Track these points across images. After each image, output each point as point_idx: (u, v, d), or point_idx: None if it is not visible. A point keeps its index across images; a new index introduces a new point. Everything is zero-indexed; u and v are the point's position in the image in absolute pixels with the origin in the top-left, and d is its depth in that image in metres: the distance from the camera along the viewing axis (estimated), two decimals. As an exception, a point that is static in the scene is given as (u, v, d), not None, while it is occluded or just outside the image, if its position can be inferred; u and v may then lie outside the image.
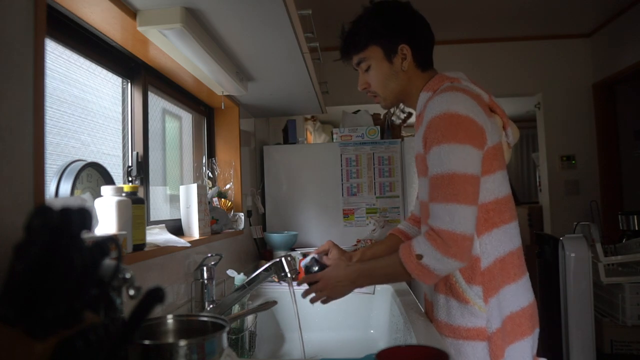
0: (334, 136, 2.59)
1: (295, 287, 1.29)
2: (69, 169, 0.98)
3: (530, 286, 1.13)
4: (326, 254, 1.28)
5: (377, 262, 1.13)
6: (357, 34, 1.17)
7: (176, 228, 1.58)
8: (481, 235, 1.04)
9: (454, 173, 0.97)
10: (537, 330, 1.12)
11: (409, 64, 1.14)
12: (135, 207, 1.04)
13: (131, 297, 0.65)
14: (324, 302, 1.20)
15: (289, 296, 1.29)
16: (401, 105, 1.28)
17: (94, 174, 1.07)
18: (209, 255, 1.42)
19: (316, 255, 1.28)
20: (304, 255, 2.09)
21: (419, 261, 0.99)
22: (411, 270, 1.00)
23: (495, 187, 1.06)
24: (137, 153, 1.39)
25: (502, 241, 1.07)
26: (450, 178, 0.97)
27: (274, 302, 1.29)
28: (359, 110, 2.72)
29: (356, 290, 1.19)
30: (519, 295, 1.08)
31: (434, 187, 1.00)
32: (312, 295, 1.19)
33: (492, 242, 1.05)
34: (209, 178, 1.93)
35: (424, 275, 1.00)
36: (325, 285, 1.16)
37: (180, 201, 1.56)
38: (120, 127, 1.37)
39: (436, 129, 1.00)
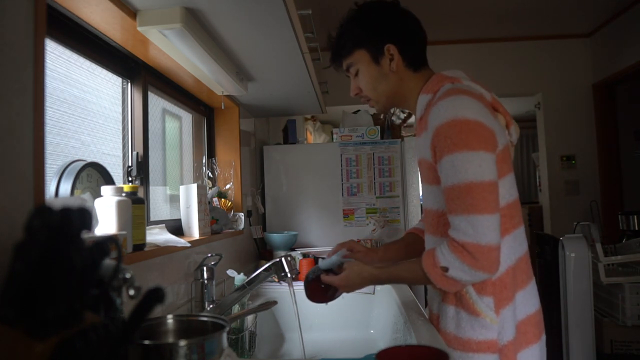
0: (334, 136, 2.59)
1: (295, 287, 1.29)
2: (69, 169, 0.98)
3: (537, 292, 1.09)
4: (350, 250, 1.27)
5: (396, 269, 1.09)
6: (341, 39, 1.15)
7: (176, 228, 1.58)
8: None
9: (471, 182, 0.92)
10: (543, 337, 1.08)
11: (398, 64, 1.10)
12: (135, 207, 1.04)
13: (131, 297, 0.65)
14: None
15: (289, 296, 1.29)
16: (401, 105, 1.24)
17: (94, 174, 1.07)
18: (209, 255, 1.42)
19: (336, 258, 1.21)
20: (304, 256, 2.09)
21: (444, 273, 0.95)
22: (436, 282, 0.97)
23: (506, 191, 1.01)
24: (137, 153, 1.39)
25: (513, 247, 1.02)
26: (468, 188, 0.92)
27: (274, 302, 1.29)
28: (359, 110, 2.72)
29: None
30: (525, 302, 1.04)
31: (451, 198, 0.95)
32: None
33: (504, 250, 0.99)
34: (209, 178, 1.93)
35: (449, 285, 0.97)
36: (342, 283, 1.14)
37: (180, 201, 1.56)
38: (120, 127, 1.37)
39: (446, 137, 0.94)
